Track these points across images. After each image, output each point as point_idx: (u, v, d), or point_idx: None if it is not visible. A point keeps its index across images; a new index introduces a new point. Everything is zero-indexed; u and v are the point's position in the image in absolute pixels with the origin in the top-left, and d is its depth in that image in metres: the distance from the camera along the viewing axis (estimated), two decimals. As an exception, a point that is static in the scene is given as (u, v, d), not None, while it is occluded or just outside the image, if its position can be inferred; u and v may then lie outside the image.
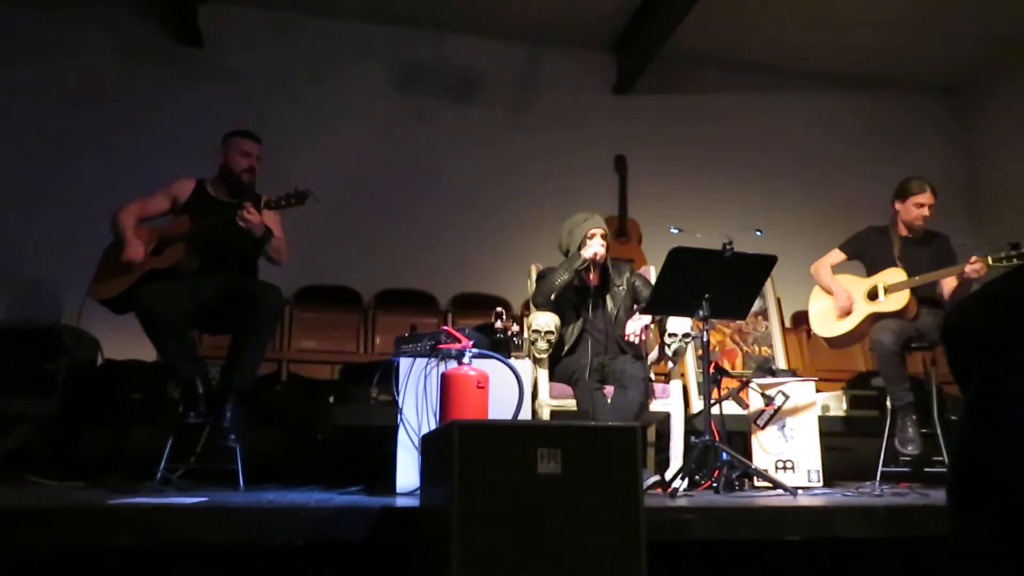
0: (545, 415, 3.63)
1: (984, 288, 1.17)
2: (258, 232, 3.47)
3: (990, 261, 3.74)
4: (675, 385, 3.79)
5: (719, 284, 3.48)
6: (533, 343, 3.68)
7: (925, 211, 4.10)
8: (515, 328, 3.52)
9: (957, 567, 1.03)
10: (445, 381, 3.01)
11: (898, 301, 4.00)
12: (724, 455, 3.43)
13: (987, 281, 1.24)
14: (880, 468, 3.84)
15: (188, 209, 3.65)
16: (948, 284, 4.01)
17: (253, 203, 3.44)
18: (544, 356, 3.71)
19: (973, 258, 3.79)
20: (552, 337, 3.69)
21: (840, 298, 4.16)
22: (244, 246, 3.56)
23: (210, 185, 3.74)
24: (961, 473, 1.06)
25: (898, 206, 4.18)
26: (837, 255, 4.31)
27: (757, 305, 5.36)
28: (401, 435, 3.16)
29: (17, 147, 5.74)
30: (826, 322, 4.25)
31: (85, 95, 5.97)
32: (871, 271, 4.21)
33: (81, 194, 5.59)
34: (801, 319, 5.97)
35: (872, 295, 4.10)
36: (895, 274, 4.05)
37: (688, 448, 3.58)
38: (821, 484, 3.89)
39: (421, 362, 3.24)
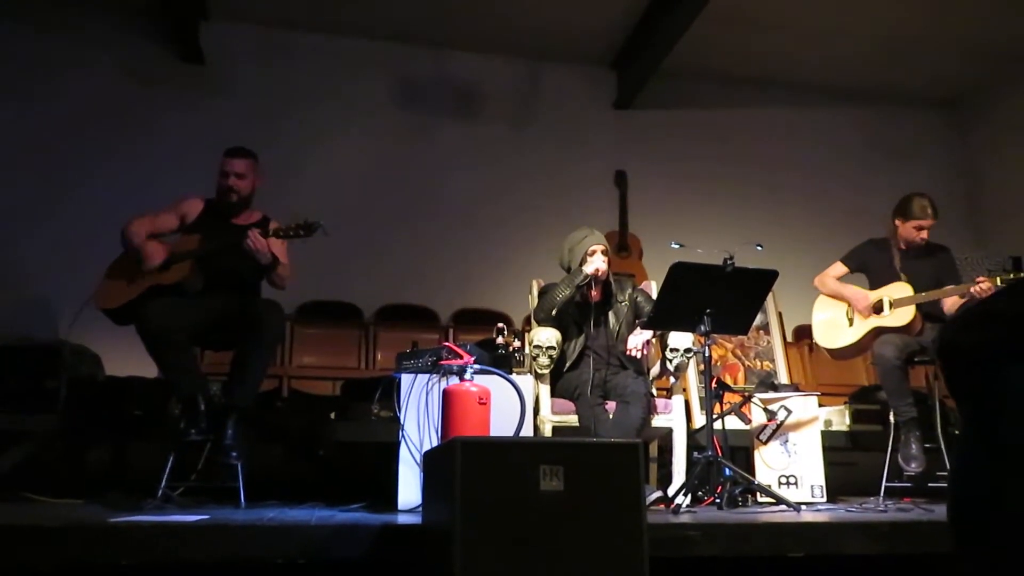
0: (547, 431, 3.62)
1: (980, 305, 1.17)
2: (264, 260, 3.48)
3: (998, 282, 3.74)
4: (677, 400, 3.78)
5: (720, 299, 3.48)
6: (535, 359, 3.67)
7: (924, 234, 4.11)
8: (517, 344, 3.52)
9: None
10: (447, 397, 3.00)
11: (903, 316, 3.99)
12: (727, 471, 3.41)
13: (984, 298, 1.24)
14: (884, 483, 3.83)
15: (197, 228, 3.65)
16: (950, 301, 4.00)
17: (261, 230, 3.45)
18: (546, 372, 3.70)
19: (981, 278, 3.78)
20: (554, 353, 3.69)
21: (858, 299, 4.14)
22: (249, 269, 3.56)
23: (216, 205, 3.75)
24: (961, 489, 1.06)
25: (898, 223, 4.17)
26: (839, 268, 4.31)
27: (759, 320, 5.36)
28: (403, 451, 3.15)
29: (18, 164, 5.76)
30: (829, 333, 4.24)
31: (87, 113, 5.99)
32: (873, 284, 4.21)
33: (82, 211, 5.61)
34: (803, 333, 5.96)
35: (877, 308, 4.10)
36: (901, 288, 4.05)
37: (691, 464, 3.56)
38: (824, 499, 3.87)
39: (423, 378, 3.24)
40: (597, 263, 3.78)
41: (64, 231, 5.62)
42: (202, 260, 3.52)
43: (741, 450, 4.19)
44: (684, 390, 4.10)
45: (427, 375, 3.24)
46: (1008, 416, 0.98)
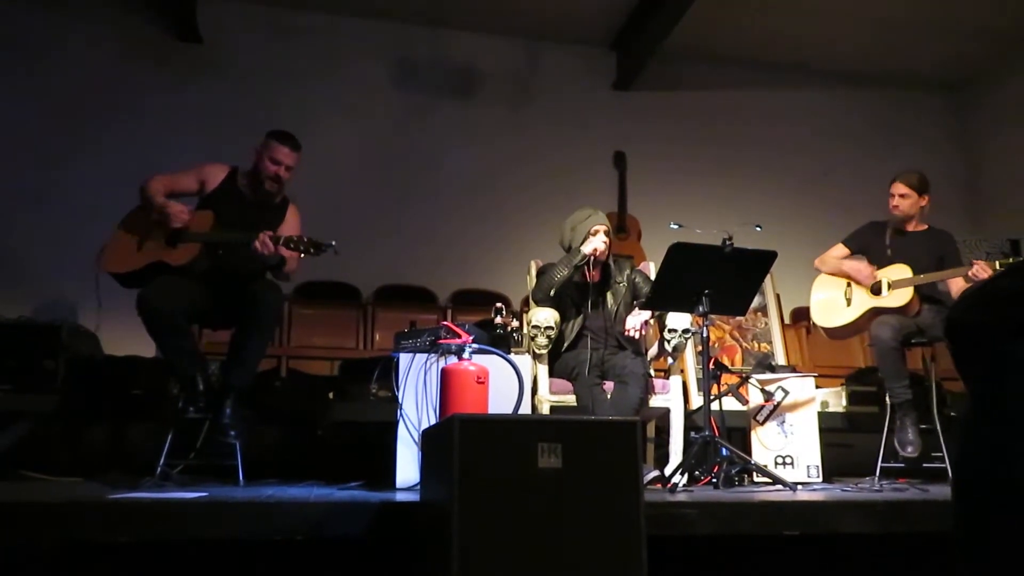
0: (545, 410, 3.62)
1: (986, 284, 1.17)
2: (271, 262, 3.46)
3: (997, 266, 3.74)
4: (675, 381, 3.79)
5: (719, 280, 3.48)
6: (533, 339, 3.68)
7: (895, 201, 4.11)
8: (515, 324, 3.51)
9: (960, 562, 1.03)
10: (445, 376, 3.01)
11: (901, 298, 3.99)
12: (724, 451, 3.43)
13: (988, 277, 1.24)
14: (879, 464, 3.85)
15: (213, 201, 3.56)
16: (956, 284, 4.00)
17: (272, 234, 3.38)
18: (544, 352, 3.71)
19: (978, 261, 3.78)
20: (552, 333, 3.69)
21: (859, 271, 4.14)
22: (255, 263, 3.52)
23: (241, 177, 3.64)
24: (966, 466, 1.06)
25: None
26: (840, 250, 4.30)
27: (756, 301, 5.36)
28: (401, 430, 3.15)
29: (15, 143, 5.73)
30: (827, 312, 4.24)
31: (85, 92, 5.97)
32: (872, 265, 4.20)
33: (80, 190, 5.60)
34: (800, 315, 5.97)
35: (875, 290, 4.10)
36: (900, 270, 4.05)
37: (688, 444, 3.58)
38: (820, 480, 3.90)
39: (421, 358, 3.24)
40: (597, 243, 3.78)
41: (61, 210, 5.60)
42: (210, 246, 3.48)
43: (738, 430, 4.21)
44: (682, 371, 4.12)
45: (425, 355, 3.25)
46: (1018, 392, 0.98)
